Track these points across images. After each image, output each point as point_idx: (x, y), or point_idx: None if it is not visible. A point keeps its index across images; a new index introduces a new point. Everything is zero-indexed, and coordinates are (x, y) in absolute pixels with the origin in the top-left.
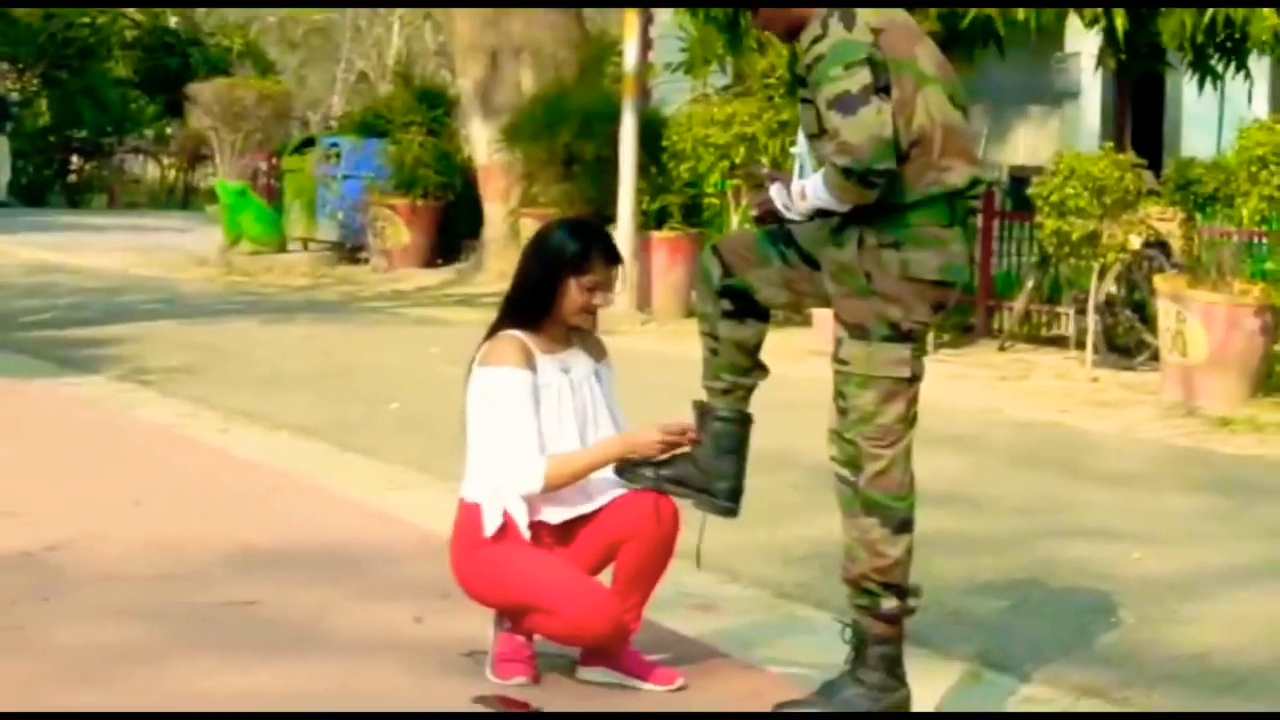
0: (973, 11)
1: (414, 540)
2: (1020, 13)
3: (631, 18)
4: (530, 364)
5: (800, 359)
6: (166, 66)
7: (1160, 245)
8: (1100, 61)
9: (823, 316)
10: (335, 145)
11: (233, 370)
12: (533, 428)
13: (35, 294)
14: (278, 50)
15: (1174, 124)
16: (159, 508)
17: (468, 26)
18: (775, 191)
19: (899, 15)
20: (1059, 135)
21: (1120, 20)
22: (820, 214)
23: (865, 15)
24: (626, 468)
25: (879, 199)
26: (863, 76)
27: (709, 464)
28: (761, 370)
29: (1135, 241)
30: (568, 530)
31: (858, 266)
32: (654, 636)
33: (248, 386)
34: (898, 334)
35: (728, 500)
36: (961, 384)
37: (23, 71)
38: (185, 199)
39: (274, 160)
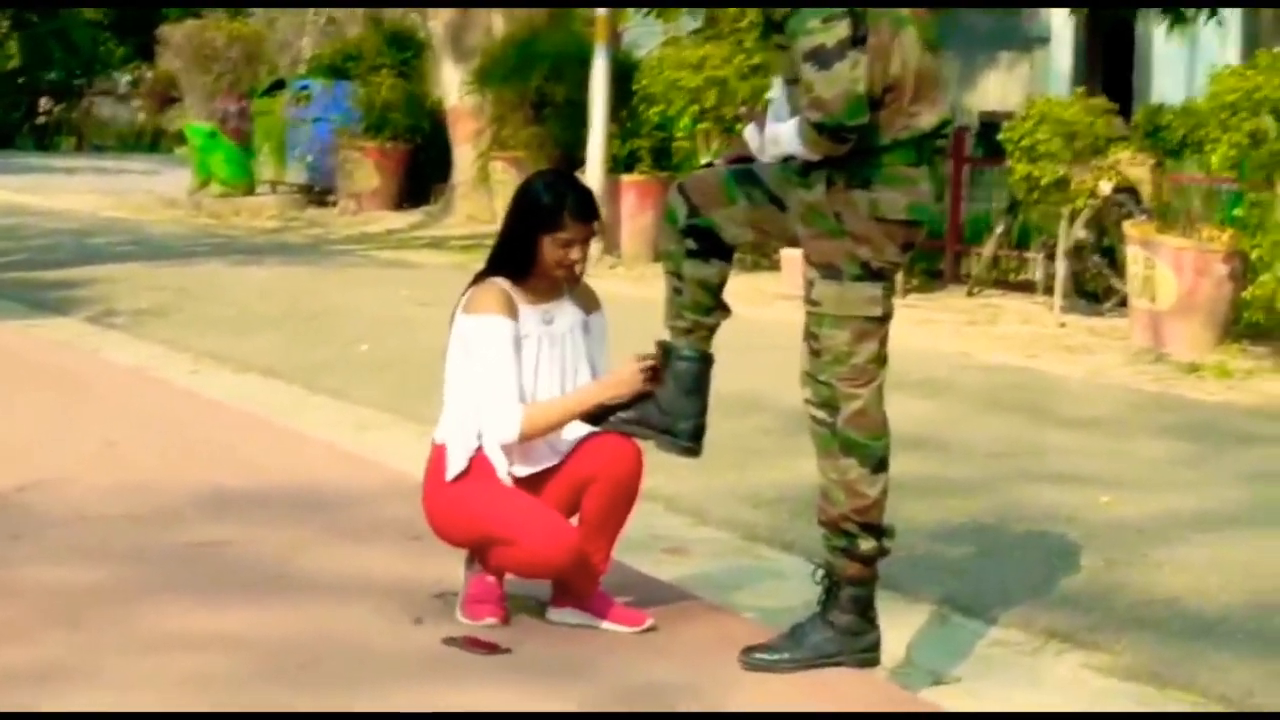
0: None
1: (383, 481)
2: None
3: None
4: (512, 313)
5: (768, 303)
6: (137, 9)
7: (1130, 191)
8: (1071, 7)
9: (791, 261)
10: (305, 88)
11: (202, 312)
12: (512, 376)
13: (4, 236)
14: None
15: (1144, 69)
16: (129, 449)
17: None
18: (749, 132)
19: None
20: (1029, 81)
21: None
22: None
23: None
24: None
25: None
26: (840, 30)
27: (671, 404)
28: (724, 310)
29: (1105, 187)
30: (536, 481)
31: (827, 207)
32: (624, 579)
33: (217, 328)
34: (869, 273)
35: (690, 440)
36: (930, 329)
37: None
38: (154, 142)
39: (244, 103)
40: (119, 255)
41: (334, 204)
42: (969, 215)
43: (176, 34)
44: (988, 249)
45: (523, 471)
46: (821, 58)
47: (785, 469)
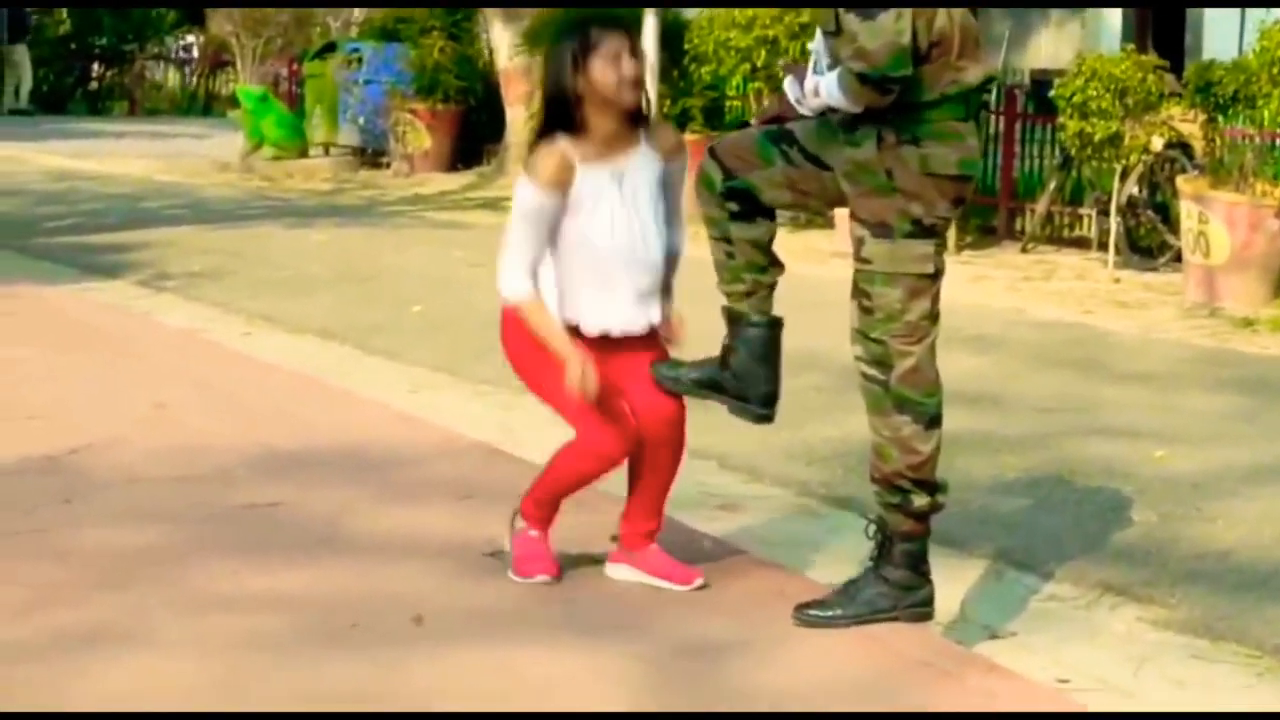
0: None
1: (437, 441)
2: None
3: None
4: (562, 179)
5: (823, 260)
6: None
7: (1182, 146)
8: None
9: (844, 218)
10: (356, 50)
11: (255, 275)
12: (525, 245)
13: (57, 200)
14: None
15: (1195, 25)
16: (181, 411)
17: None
18: (788, 84)
19: None
20: (1081, 39)
21: None
22: (830, 111)
23: None
24: (659, 366)
25: (896, 98)
26: None
27: (744, 370)
28: (779, 266)
29: (1157, 143)
30: (620, 353)
31: (878, 164)
32: (677, 535)
33: (270, 291)
34: (920, 230)
35: (763, 406)
36: (984, 285)
37: None
38: (207, 106)
39: (295, 66)
40: (171, 219)
41: (386, 166)
42: (1022, 172)
43: None
44: (1041, 205)
45: (601, 328)
46: (867, 8)
47: (839, 425)
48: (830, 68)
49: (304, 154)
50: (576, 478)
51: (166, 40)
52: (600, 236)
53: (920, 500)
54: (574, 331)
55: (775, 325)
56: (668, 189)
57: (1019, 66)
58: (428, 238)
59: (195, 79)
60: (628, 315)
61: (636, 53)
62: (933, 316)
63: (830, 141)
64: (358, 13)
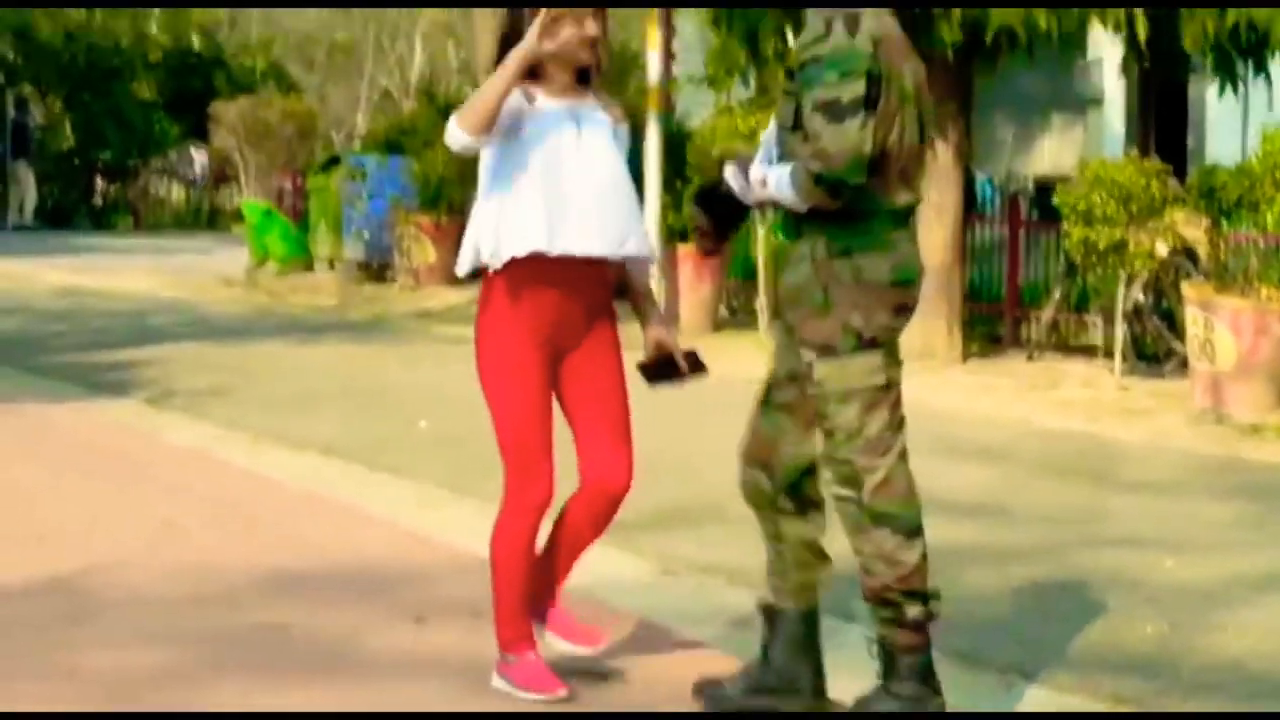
0: (995, 21)
1: (445, 559)
2: (1042, 20)
3: (654, 31)
4: (523, 97)
5: None
6: (191, 87)
7: (1187, 252)
8: (1123, 67)
9: None
10: (360, 164)
11: (261, 391)
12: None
13: (63, 317)
14: (301, 69)
15: (1198, 129)
16: (189, 530)
17: (491, 43)
18: (731, 173)
19: (895, 27)
20: (1083, 142)
21: (1142, 26)
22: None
23: (868, 23)
24: (703, 696)
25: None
26: (856, 88)
27: (788, 668)
28: (826, 561)
29: (1162, 248)
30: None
31: (814, 283)
32: (686, 653)
33: (277, 407)
34: (864, 343)
35: (814, 697)
36: (990, 394)
37: (46, 94)
38: (211, 220)
39: (299, 179)
40: (177, 335)
41: (392, 279)
42: (1027, 279)
43: (230, 112)
44: (1047, 313)
45: (564, 249)
46: (835, 111)
47: (845, 540)
48: (780, 160)
49: (309, 268)
50: (519, 555)
51: (170, 154)
52: (565, 162)
53: (914, 610)
54: (534, 263)
55: (813, 620)
56: (619, 143)
57: (1021, 171)
58: (433, 352)
59: (199, 193)
60: (590, 239)
61: (598, 17)
62: (895, 426)
63: (787, 345)
64: (360, 125)
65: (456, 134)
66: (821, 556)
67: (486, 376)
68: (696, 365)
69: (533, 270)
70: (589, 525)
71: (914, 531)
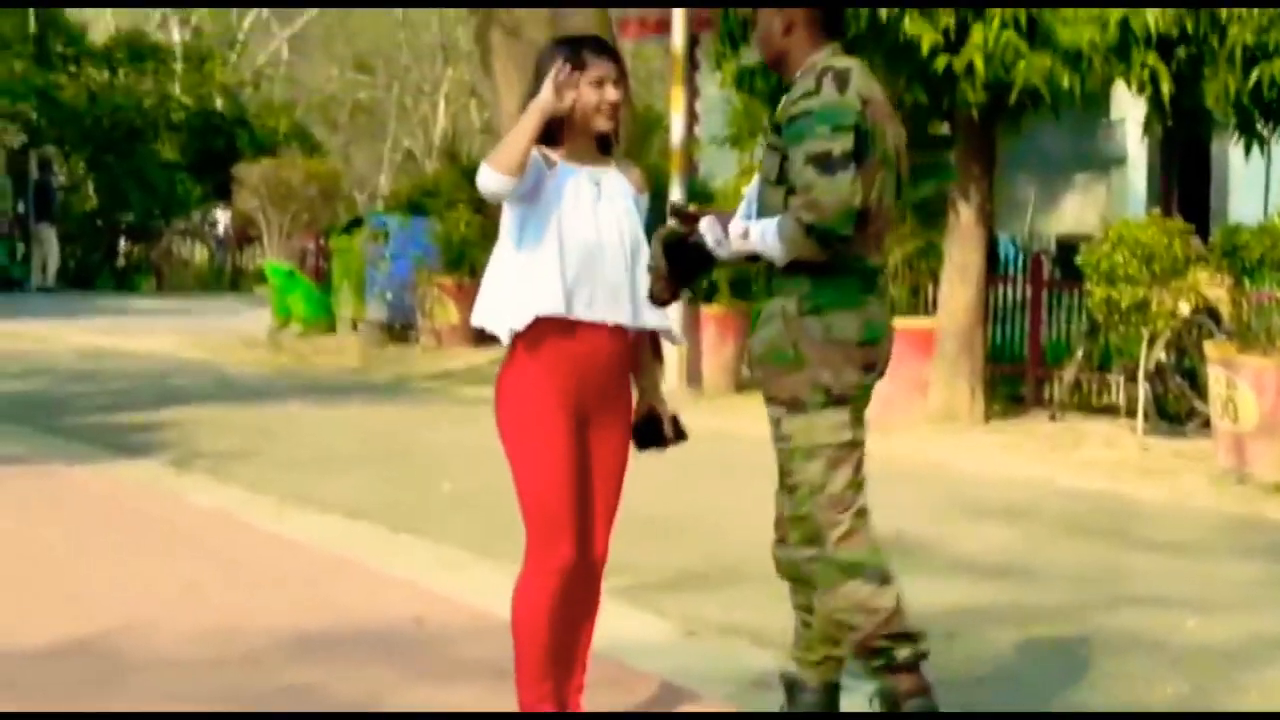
0: (1019, 81)
1: (468, 620)
2: (1065, 80)
3: (677, 92)
4: (543, 161)
5: None
6: (213, 148)
7: (1209, 311)
8: (1146, 127)
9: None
10: (383, 225)
11: (284, 453)
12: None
13: (86, 378)
14: (324, 130)
15: (1221, 188)
16: (214, 592)
17: (514, 103)
18: (707, 226)
19: (879, 89)
20: (1106, 202)
21: (1165, 85)
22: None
23: (857, 81)
24: None
25: (804, 263)
26: (846, 142)
27: None
28: None
29: (1185, 308)
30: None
31: (785, 340)
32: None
33: (300, 469)
34: (832, 400)
35: None
36: (1013, 454)
37: (69, 155)
38: (234, 281)
39: (322, 240)
40: (200, 396)
41: (415, 340)
42: (1049, 339)
43: (253, 173)
44: (1069, 373)
45: (585, 315)
46: (827, 163)
47: None
48: (760, 215)
49: (332, 329)
50: (540, 617)
51: (193, 216)
52: (583, 228)
53: (904, 652)
54: (555, 326)
55: (834, 692)
56: (640, 212)
57: (1044, 231)
58: (456, 414)
59: (223, 254)
60: (607, 308)
61: (620, 83)
62: (856, 485)
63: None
64: (383, 186)
65: (489, 175)
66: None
67: (508, 435)
68: (680, 433)
69: (554, 333)
70: (571, 592)
71: (885, 578)
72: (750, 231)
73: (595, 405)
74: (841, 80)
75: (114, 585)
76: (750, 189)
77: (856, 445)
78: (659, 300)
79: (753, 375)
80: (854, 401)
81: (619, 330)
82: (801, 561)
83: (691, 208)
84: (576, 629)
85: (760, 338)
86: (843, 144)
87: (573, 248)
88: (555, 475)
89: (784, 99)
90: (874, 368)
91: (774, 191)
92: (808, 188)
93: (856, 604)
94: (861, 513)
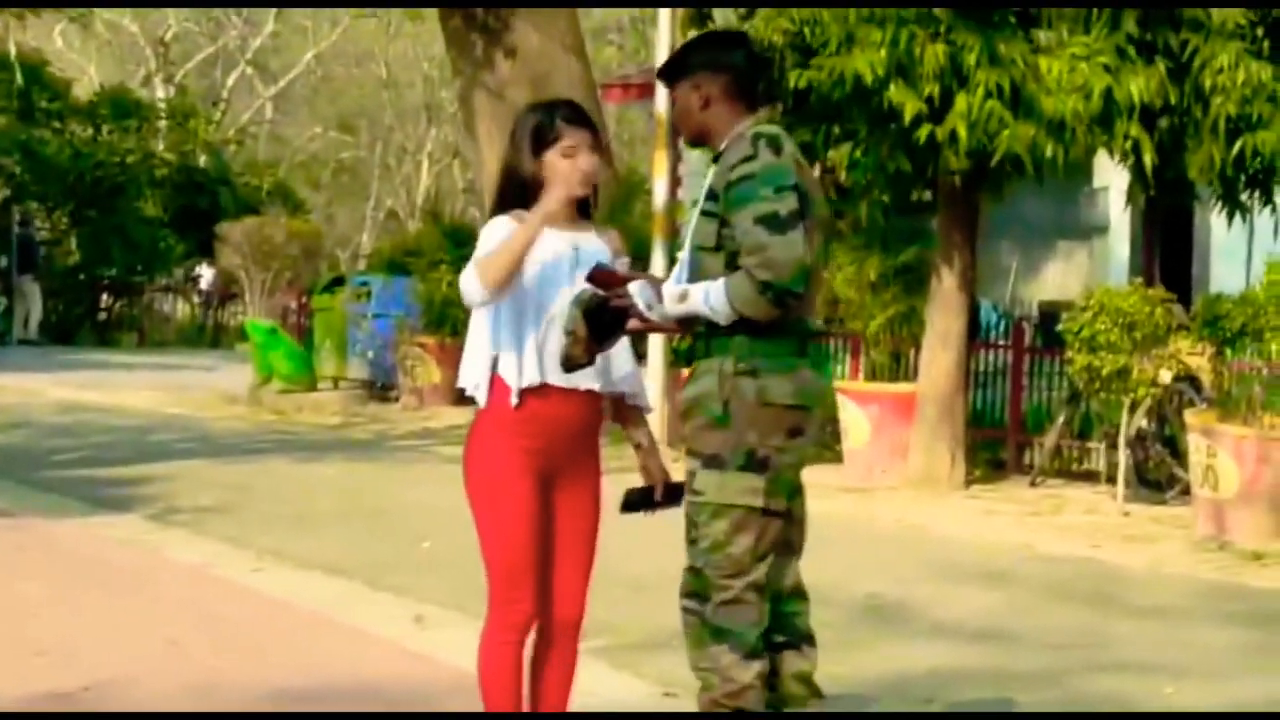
0: (1002, 149)
1: (447, 679)
2: (1048, 148)
3: (660, 156)
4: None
5: (832, 495)
6: (196, 205)
7: (1190, 379)
8: (1129, 195)
9: (853, 454)
10: (365, 284)
11: (264, 509)
12: (488, 248)
13: (66, 433)
14: (307, 189)
15: (1203, 258)
16: (192, 648)
17: (497, 164)
18: (638, 289)
19: (800, 155)
20: (1088, 269)
21: (1148, 156)
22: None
23: (788, 146)
24: None
25: (742, 324)
26: (791, 202)
27: None
28: (819, 696)
29: (1166, 376)
30: (566, 407)
31: (717, 397)
32: None
33: (280, 525)
34: (753, 463)
35: None
36: (993, 520)
37: (52, 210)
38: (215, 338)
39: (304, 299)
40: (180, 452)
41: (395, 399)
42: (1030, 405)
43: (235, 231)
44: (1050, 439)
45: (557, 381)
46: (776, 223)
47: (844, 662)
48: (691, 280)
49: (313, 387)
50: (504, 673)
51: (175, 272)
52: (561, 292)
53: None
54: (520, 394)
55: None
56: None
57: (1026, 297)
58: (437, 473)
59: (204, 311)
60: (580, 373)
61: (596, 149)
62: (757, 555)
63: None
64: (366, 245)
65: (475, 288)
66: (814, 692)
67: (474, 490)
68: (672, 497)
69: (526, 395)
70: (546, 653)
71: (752, 654)
72: (690, 294)
73: (564, 466)
74: (775, 145)
75: (93, 640)
76: (683, 255)
77: (770, 515)
78: (575, 365)
79: (681, 429)
80: (776, 469)
81: (591, 394)
82: (682, 608)
83: (618, 269)
84: (553, 690)
85: (691, 393)
86: (788, 204)
87: (549, 315)
88: (517, 531)
89: (716, 167)
90: (802, 432)
91: (711, 258)
92: (760, 248)
93: (717, 668)
94: (756, 587)
